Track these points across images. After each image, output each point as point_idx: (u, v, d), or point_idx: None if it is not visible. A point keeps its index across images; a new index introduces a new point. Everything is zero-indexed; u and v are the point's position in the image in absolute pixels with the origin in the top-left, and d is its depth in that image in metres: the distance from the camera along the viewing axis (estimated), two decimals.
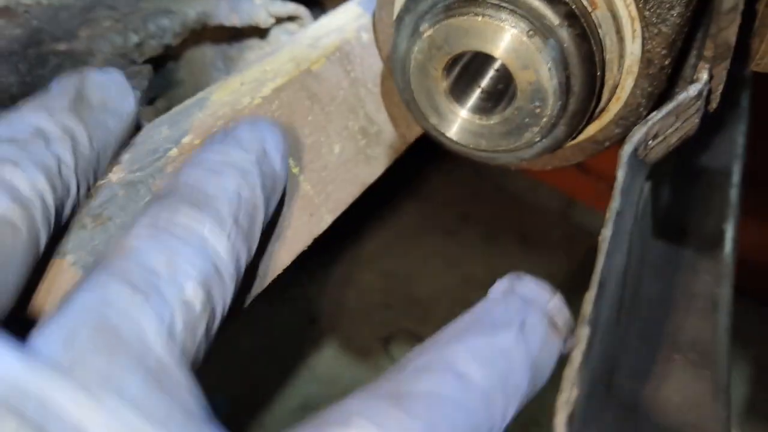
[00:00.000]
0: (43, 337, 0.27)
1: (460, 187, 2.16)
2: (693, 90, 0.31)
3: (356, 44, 0.50)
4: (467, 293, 1.92)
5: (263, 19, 0.62)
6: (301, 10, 0.63)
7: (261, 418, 1.62)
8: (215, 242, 0.32)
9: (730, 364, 0.51)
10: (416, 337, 1.80)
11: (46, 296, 0.32)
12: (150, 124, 0.42)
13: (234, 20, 0.62)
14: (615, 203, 0.28)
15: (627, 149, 0.30)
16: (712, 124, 0.58)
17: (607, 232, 0.28)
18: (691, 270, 0.58)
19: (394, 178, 0.57)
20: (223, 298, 0.33)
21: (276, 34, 0.64)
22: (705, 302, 0.55)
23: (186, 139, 0.39)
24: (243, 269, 0.34)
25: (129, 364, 0.27)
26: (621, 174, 0.29)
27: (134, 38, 0.57)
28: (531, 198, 2.14)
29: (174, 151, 0.39)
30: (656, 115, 0.30)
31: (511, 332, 0.33)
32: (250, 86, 0.44)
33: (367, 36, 0.51)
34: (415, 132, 0.52)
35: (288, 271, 0.45)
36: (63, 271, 0.33)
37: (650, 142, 0.32)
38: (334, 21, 0.52)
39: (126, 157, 0.38)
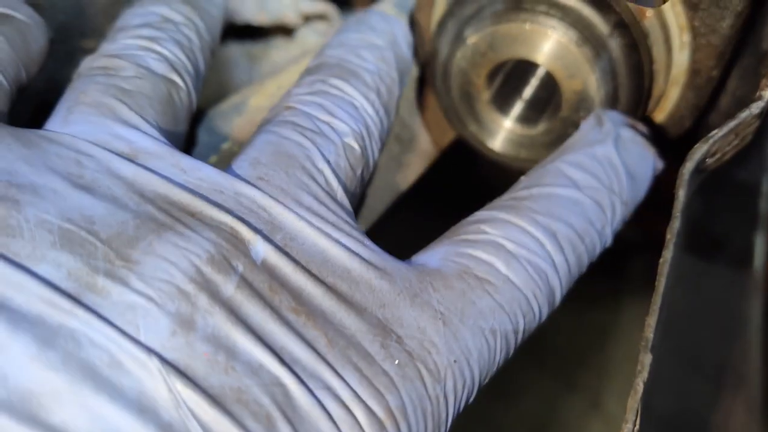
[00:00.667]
0: (234, 164, 0.32)
1: (473, 194, 2.14)
2: (755, 108, 0.30)
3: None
4: None
5: (292, 19, 0.61)
6: (330, 9, 0.61)
7: None
8: (365, 106, 0.36)
9: (764, 382, 0.50)
10: None
11: None
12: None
13: (262, 18, 0.61)
14: (676, 224, 0.27)
15: (689, 167, 0.29)
16: None
17: (667, 255, 0.27)
18: (720, 286, 0.57)
19: None
20: (373, 154, 0.37)
21: (304, 33, 0.63)
22: (735, 319, 0.54)
23: (225, 146, 0.38)
24: (384, 138, 0.39)
25: (303, 179, 0.32)
26: (682, 193, 0.28)
27: None
28: None
29: (214, 158, 0.38)
30: (718, 133, 0.30)
31: (608, 144, 0.37)
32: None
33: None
34: (448, 138, 0.51)
35: None
36: None
37: (708, 159, 0.31)
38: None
39: None
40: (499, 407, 1.67)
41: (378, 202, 0.47)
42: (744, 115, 0.29)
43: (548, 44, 0.39)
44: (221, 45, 0.65)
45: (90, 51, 0.55)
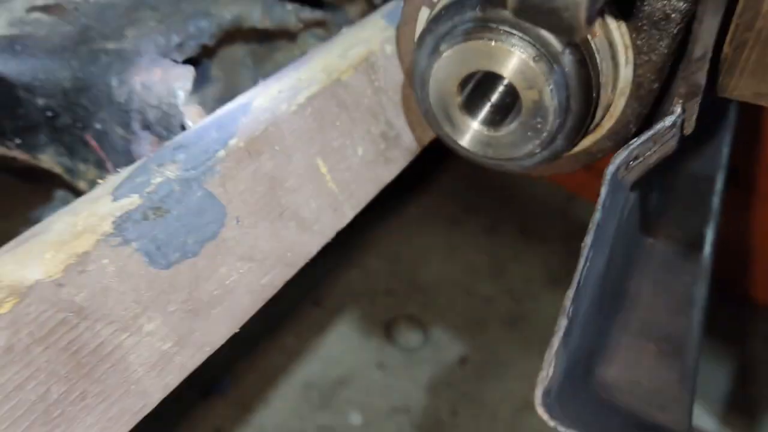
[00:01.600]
0: None
1: (463, 180, 2.21)
2: (668, 121, 0.36)
3: (381, 56, 0.56)
4: (469, 281, 1.98)
5: (293, 24, 0.68)
6: (328, 16, 0.68)
7: (265, 396, 1.68)
8: None
9: (700, 356, 0.57)
10: (418, 322, 1.87)
11: None
12: (198, 125, 0.47)
13: (266, 23, 0.68)
14: (596, 215, 0.34)
15: (610, 169, 0.35)
16: (700, 133, 0.64)
17: (588, 240, 0.34)
18: (673, 270, 0.64)
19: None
20: None
21: (304, 37, 0.70)
22: (683, 299, 0.61)
23: (232, 142, 0.45)
24: None
25: None
26: (603, 191, 0.35)
27: (176, 39, 0.63)
28: (532, 192, 2.20)
29: (222, 153, 0.44)
30: (636, 141, 0.36)
31: None
32: (287, 94, 0.49)
33: (390, 48, 0.57)
34: (429, 136, 0.58)
35: None
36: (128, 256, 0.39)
37: (631, 162, 0.38)
38: (362, 33, 0.57)
39: (181, 156, 0.43)
40: (486, 386, 1.74)
41: (366, 193, 0.53)
42: (659, 126, 0.36)
43: (510, 59, 0.45)
44: (230, 47, 0.71)
45: (112, 52, 0.61)
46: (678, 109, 0.37)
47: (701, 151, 0.74)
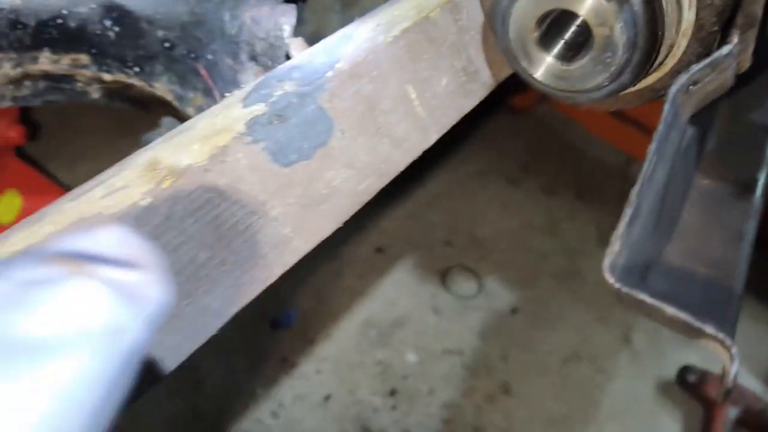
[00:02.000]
0: None
1: (524, 139, 2.25)
2: (725, 50, 0.42)
3: None
4: (524, 237, 2.04)
5: None
6: None
7: (328, 331, 1.78)
8: None
9: (744, 287, 0.63)
10: (473, 272, 1.94)
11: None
12: (308, 51, 0.55)
13: None
14: (661, 127, 0.40)
15: (672, 90, 0.41)
16: (758, 80, 0.68)
17: (652, 147, 0.40)
18: (724, 207, 0.69)
19: (462, 126, 0.69)
20: None
21: None
22: (732, 233, 0.66)
23: (338, 65, 0.52)
24: None
25: None
26: (667, 107, 0.41)
27: None
28: (591, 154, 2.23)
29: (330, 74, 0.52)
30: (696, 67, 0.42)
31: None
32: (384, 27, 0.56)
33: None
34: (504, 73, 0.64)
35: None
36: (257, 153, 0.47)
37: (691, 87, 0.43)
38: None
39: (296, 75, 0.51)
40: (536, 336, 1.81)
41: (448, 119, 0.60)
42: (716, 54, 0.42)
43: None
44: None
45: None
46: (735, 39, 0.42)
47: (759, 102, 0.78)
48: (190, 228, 0.43)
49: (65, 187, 1.93)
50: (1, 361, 0.22)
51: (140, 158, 0.43)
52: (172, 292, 0.27)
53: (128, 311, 0.25)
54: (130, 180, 0.41)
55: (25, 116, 1.96)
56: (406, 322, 1.84)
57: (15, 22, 0.64)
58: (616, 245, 0.38)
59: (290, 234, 0.48)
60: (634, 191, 0.40)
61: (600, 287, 2.07)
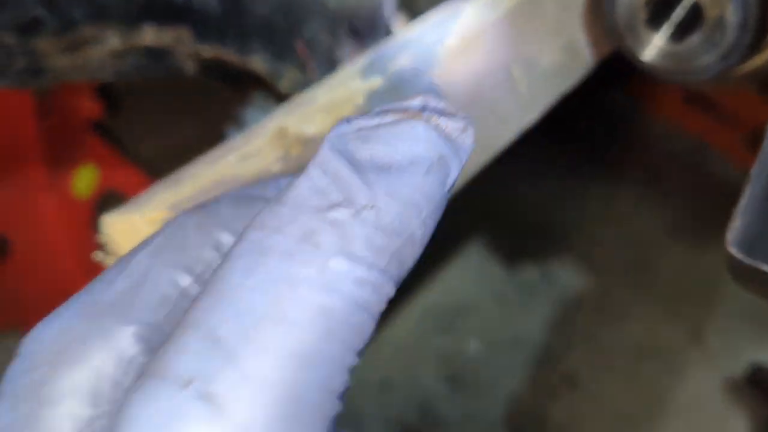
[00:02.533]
0: None
1: (585, 124, 2.22)
2: None
3: None
4: (589, 226, 2.02)
5: None
6: None
7: (387, 315, 1.80)
8: None
9: None
10: (538, 260, 1.93)
11: None
12: (415, 27, 0.56)
13: None
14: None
15: None
16: None
17: None
18: None
19: None
20: None
21: None
22: None
23: (450, 41, 0.53)
24: None
25: None
26: None
27: None
28: (663, 142, 2.19)
29: (440, 49, 0.53)
30: None
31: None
32: (492, 4, 0.57)
33: None
34: (603, 53, 0.65)
35: None
36: None
37: None
38: None
39: (409, 50, 0.52)
40: (604, 327, 1.80)
41: (548, 99, 0.61)
42: None
43: None
44: None
45: None
46: None
47: None
48: None
49: (139, 161, 1.98)
50: (354, 177, 0.25)
51: (268, 127, 0.45)
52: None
53: (451, 152, 0.29)
54: (261, 147, 0.43)
55: (104, 90, 2.01)
56: (467, 310, 1.85)
57: None
58: (737, 221, 0.38)
59: None
60: (754, 170, 0.40)
61: (669, 280, 2.04)
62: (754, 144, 1.85)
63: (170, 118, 2.22)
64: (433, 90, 0.50)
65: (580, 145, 2.20)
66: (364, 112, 0.48)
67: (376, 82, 0.49)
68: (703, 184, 2.14)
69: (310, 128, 0.45)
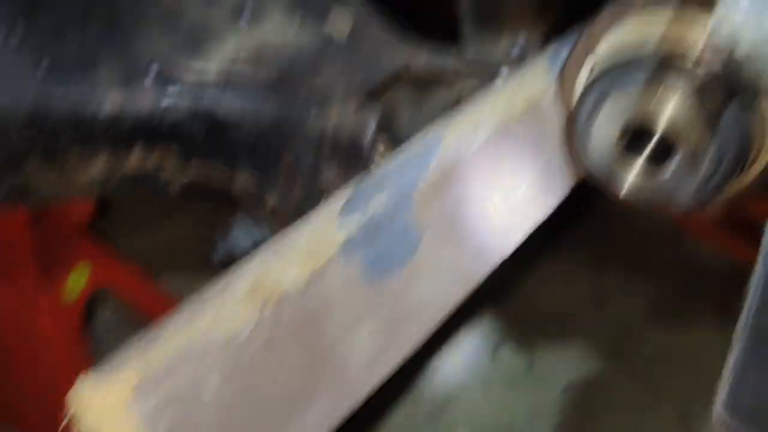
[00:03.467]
0: None
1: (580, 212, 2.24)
2: None
3: (545, 100, 0.62)
4: (574, 311, 2.01)
5: (455, 70, 0.76)
6: (487, 62, 0.77)
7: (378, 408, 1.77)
8: None
9: None
10: (523, 348, 1.92)
11: None
12: (395, 158, 0.56)
13: (430, 70, 0.77)
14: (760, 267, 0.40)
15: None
16: None
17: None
18: None
19: None
20: None
21: (462, 81, 0.78)
22: None
23: (429, 174, 0.53)
24: None
25: None
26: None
27: (357, 81, 0.72)
28: (643, 224, 2.21)
29: (419, 184, 0.53)
30: None
31: None
32: (469, 132, 0.57)
33: (552, 91, 0.64)
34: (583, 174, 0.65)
35: None
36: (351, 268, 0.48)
37: None
38: (526, 78, 0.64)
39: (388, 184, 0.52)
40: (590, 416, 1.76)
41: (530, 222, 0.61)
42: None
43: (670, 114, 0.52)
44: (391, 91, 0.80)
45: (308, 90, 0.71)
46: None
47: None
48: (291, 350, 0.44)
49: (131, 258, 1.97)
50: None
51: (242, 280, 0.44)
52: None
53: None
54: (234, 305, 0.43)
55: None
56: (456, 397, 1.82)
57: (113, 120, 0.67)
58: (726, 381, 0.38)
59: (380, 351, 0.49)
60: (740, 324, 0.39)
61: (654, 363, 2.02)
62: (730, 227, 1.88)
63: (161, 212, 2.21)
64: (405, 239, 0.50)
65: (564, 232, 2.22)
66: (343, 256, 0.47)
67: (354, 222, 0.49)
68: (682, 264, 2.15)
69: (286, 280, 0.44)
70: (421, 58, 0.76)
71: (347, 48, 0.76)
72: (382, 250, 0.49)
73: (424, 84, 0.81)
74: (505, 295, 2.06)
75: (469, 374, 1.87)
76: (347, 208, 0.50)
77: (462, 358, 1.90)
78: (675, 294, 2.00)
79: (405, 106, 0.82)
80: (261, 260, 0.46)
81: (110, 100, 0.66)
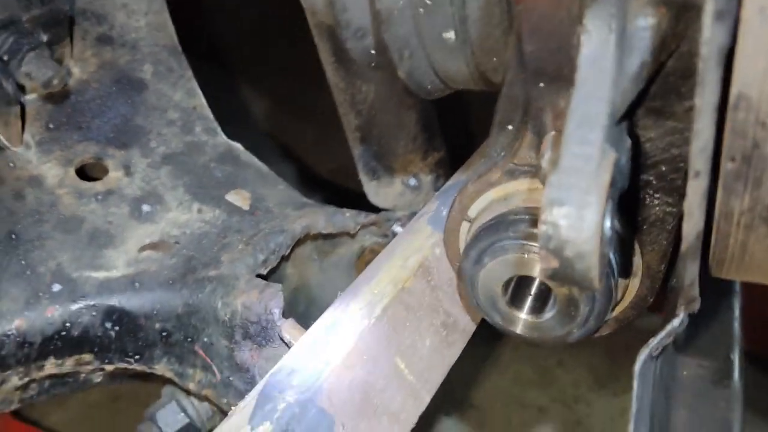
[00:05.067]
0: None
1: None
2: (676, 322, 0.48)
3: (432, 258, 0.68)
4: (519, 392, 2.04)
5: (352, 227, 0.81)
6: (380, 217, 0.82)
7: None
8: None
9: None
10: None
11: None
12: (300, 347, 0.59)
13: (330, 228, 0.81)
14: (633, 407, 0.45)
15: (636, 368, 0.46)
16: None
17: (633, 409, 0.44)
18: (707, 398, 0.73)
19: None
20: None
21: (362, 234, 0.83)
22: (719, 427, 0.70)
23: (332, 360, 0.57)
24: None
25: None
26: (636, 384, 0.46)
27: (261, 257, 0.76)
28: None
29: (326, 371, 0.56)
30: (654, 341, 0.47)
31: None
32: (365, 310, 0.62)
33: (439, 250, 0.69)
34: (480, 316, 0.70)
35: None
36: None
37: (653, 352, 0.49)
38: (413, 241, 0.70)
39: (295, 381, 0.55)
40: None
41: (437, 376, 0.65)
42: (669, 327, 0.47)
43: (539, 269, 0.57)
44: (299, 248, 0.85)
45: (214, 279, 0.74)
46: (682, 314, 0.48)
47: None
48: None
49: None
50: None
51: None
52: None
53: None
54: None
55: None
56: None
57: (22, 342, 0.68)
58: None
59: None
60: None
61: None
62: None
63: (90, 398, 2.15)
64: (323, 421, 0.53)
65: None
66: None
67: (265, 429, 0.51)
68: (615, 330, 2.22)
69: None
70: (320, 220, 0.81)
71: (248, 226, 0.80)
72: None
73: (328, 239, 0.85)
74: (449, 388, 2.07)
75: None
76: (256, 418, 0.52)
77: None
78: (613, 360, 2.06)
79: (314, 258, 0.86)
80: None
81: (15, 326, 0.67)
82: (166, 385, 0.85)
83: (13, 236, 0.72)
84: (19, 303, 0.68)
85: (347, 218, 0.81)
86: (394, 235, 0.80)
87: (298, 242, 0.82)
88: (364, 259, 0.84)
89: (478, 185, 0.63)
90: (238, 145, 0.92)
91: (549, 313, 0.60)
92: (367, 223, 0.81)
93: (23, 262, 0.71)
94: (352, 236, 0.83)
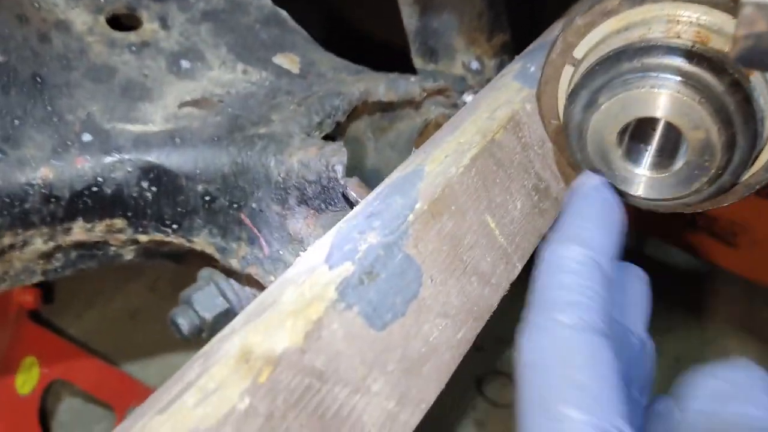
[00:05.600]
0: None
1: None
2: None
3: (523, 114, 0.58)
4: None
5: (417, 93, 0.71)
6: (449, 85, 0.71)
7: None
8: None
9: None
10: (507, 377, 1.85)
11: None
12: (378, 194, 0.50)
13: (391, 96, 0.71)
14: None
15: None
16: None
17: None
18: None
19: None
20: None
21: (427, 105, 0.73)
22: None
23: (418, 206, 0.47)
24: None
25: None
26: None
27: (316, 119, 0.66)
28: None
29: (411, 217, 0.47)
30: None
31: None
32: (452, 157, 0.52)
33: (530, 106, 0.59)
34: None
35: None
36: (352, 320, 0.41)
37: None
38: (501, 95, 0.60)
39: (377, 223, 0.46)
40: None
41: (529, 244, 0.55)
42: None
43: (675, 104, 0.47)
44: (354, 122, 0.75)
45: (265, 136, 0.65)
46: None
47: None
48: (293, 424, 0.36)
49: (79, 344, 1.84)
50: None
51: (229, 348, 0.37)
52: None
53: None
54: (223, 378, 0.35)
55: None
56: None
57: (48, 196, 0.59)
58: None
59: (395, 408, 0.42)
60: None
61: None
62: (693, 228, 1.87)
63: (109, 286, 2.09)
64: (405, 278, 0.44)
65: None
66: (339, 308, 0.40)
67: (345, 269, 0.42)
68: (647, 262, 2.12)
69: (280, 343, 0.37)
70: (380, 85, 0.71)
71: (299, 89, 0.70)
72: (384, 292, 0.43)
73: (386, 112, 0.75)
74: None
75: (459, 410, 1.80)
76: (334, 257, 0.43)
77: (449, 395, 1.82)
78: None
79: (369, 137, 0.76)
80: (245, 328, 0.39)
81: (41, 176, 0.58)
82: (204, 269, 0.76)
83: (38, 79, 0.62)
84: (45, 150, 0.59)
85: (412, 83, 0.71)
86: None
87: (352, 116, 0.72)
88: (427, 135, 0.75)
89: (589, 16, 0.53)
90: (283, 12, 0.82)
91: (678, 163, 0.50)
92: (434, 90, 0.71)
93: (49, 108, 0.61)
94: (416, 107, 0.74)
